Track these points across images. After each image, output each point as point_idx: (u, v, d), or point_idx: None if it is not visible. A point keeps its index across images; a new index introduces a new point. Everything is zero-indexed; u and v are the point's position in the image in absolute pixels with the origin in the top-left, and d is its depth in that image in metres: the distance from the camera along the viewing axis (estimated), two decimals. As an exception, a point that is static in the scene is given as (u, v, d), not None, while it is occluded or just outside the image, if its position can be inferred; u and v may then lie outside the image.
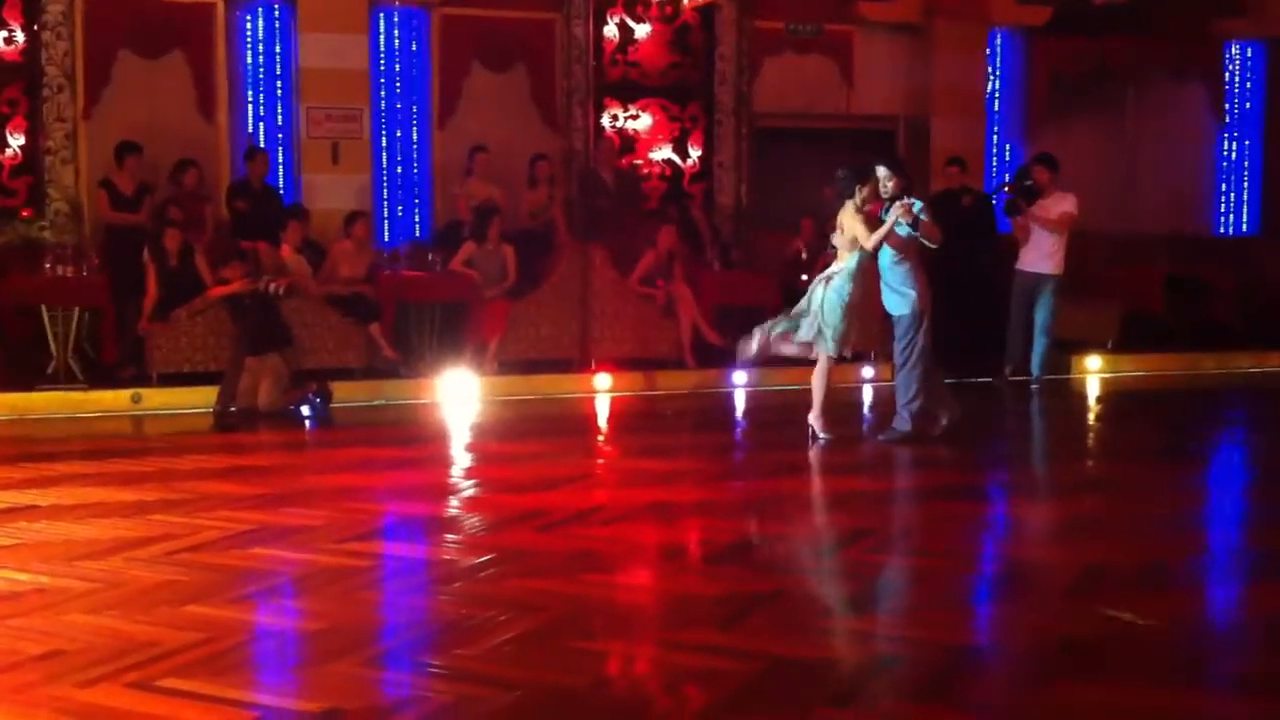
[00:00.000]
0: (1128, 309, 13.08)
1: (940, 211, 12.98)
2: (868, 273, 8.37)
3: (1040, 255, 11.33)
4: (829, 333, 8.32)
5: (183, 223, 10.84)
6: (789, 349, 8.61)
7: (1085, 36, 14.61)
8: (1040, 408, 10.93)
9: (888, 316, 8.63)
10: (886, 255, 8.40)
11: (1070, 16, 14.38)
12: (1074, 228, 11.43)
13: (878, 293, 8.50)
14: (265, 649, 4.76)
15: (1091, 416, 10.85)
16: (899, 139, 14.47)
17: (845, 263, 8.35)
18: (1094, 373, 12.36)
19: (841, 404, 10.40)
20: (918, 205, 8.35)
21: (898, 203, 8.31)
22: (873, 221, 8.31)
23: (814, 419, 8.56)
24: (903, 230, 8.28)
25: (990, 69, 14.65)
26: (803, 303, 8.53)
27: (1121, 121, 15.39)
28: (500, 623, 4.75)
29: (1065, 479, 7.95)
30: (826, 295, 8.33)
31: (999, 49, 14.80)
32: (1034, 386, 11.30)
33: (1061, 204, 11.30)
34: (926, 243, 8.42)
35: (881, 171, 8.43)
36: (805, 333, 8.41)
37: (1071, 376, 12.25)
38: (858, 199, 8.32)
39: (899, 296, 8.49)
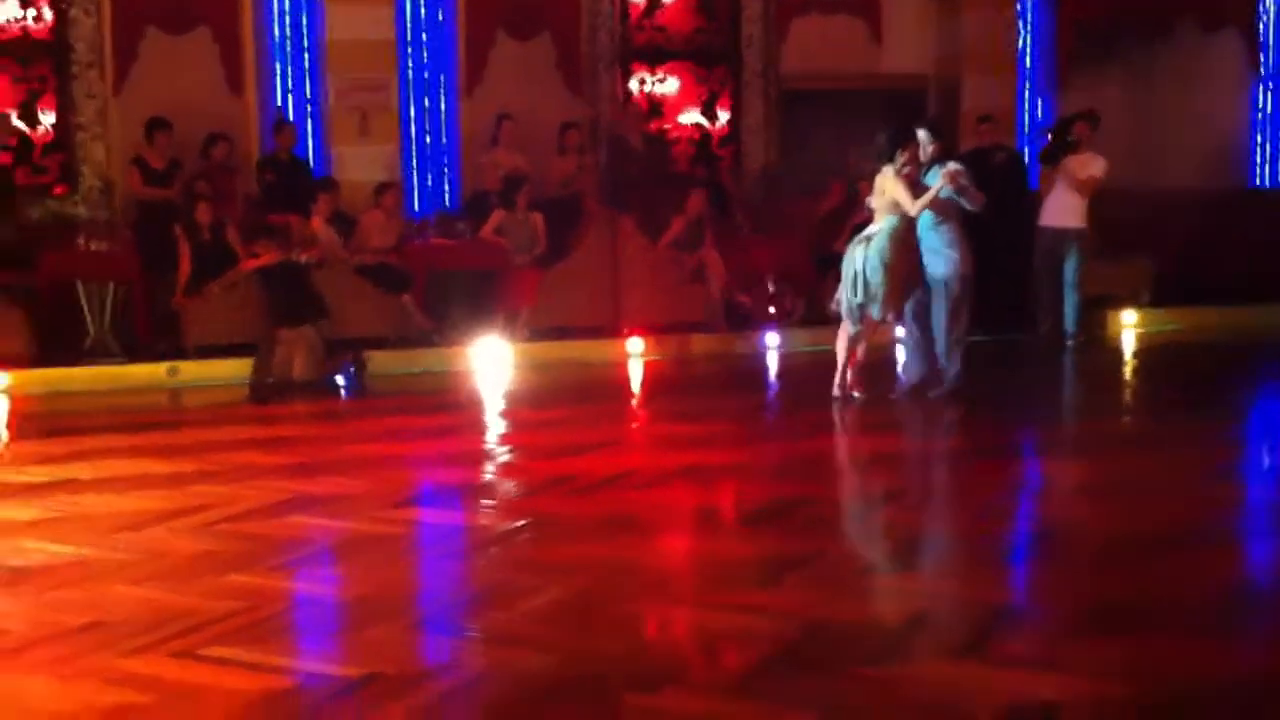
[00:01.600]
0: (1161, 263, 12.97)
1: (972, 169, 12.98)
2: (906, 235, 8.32)
3: (1063, 210, 11.26)
4: (876, 294, 8.27)
5: (213, 196, 10.89)
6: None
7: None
8: (1075, 364, 10.87)
9: (921, 279, 8.57)
10: (927, 217, 8.37)
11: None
12: (1106, 182, 11.32)
13: (915, 255, 8.44)
14: (305, 616, 4.81)
15: (1128, 372, 10.79)
16: (929, 97, 14.35)
17: (885, 223, 8.30)
18: (1129, 327, 12.28)
19: (874, 364, 10.38)
20: (958, 169, 8.32)
21: (945, 168, 8.28)
22: (914, 185, 8.25)
23: (849, 379, 8.55)
24: (946, 193, 8.26)
25: (1019, 24, 14.50)
26: (845, 273, 8.46)
27: (1152, 74, 15.20)
28: (536, 587, 4.77)
29: (1099, 437, 7.91)
30: (869, 256, 8.26)
31: (1028, 3, 14.65)
32: (1069, 343, 11.23)
33: (1091, 166, 11.22)
34: (969, 206, 8.40)
35: (922, 135, 8.41)
36: (854, 296, 8.34)
37: (1107, 332, 12.17)
38: (898, 163, 8.25)
39: (940, 258, 8.45)
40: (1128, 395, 9.83)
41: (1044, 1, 14.72)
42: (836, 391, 8.55)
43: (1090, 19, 14.64)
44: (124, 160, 11.80)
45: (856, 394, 8.52)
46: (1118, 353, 11.59)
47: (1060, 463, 7.31)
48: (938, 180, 8.24)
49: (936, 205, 8.31)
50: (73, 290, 10.41)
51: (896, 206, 8.22)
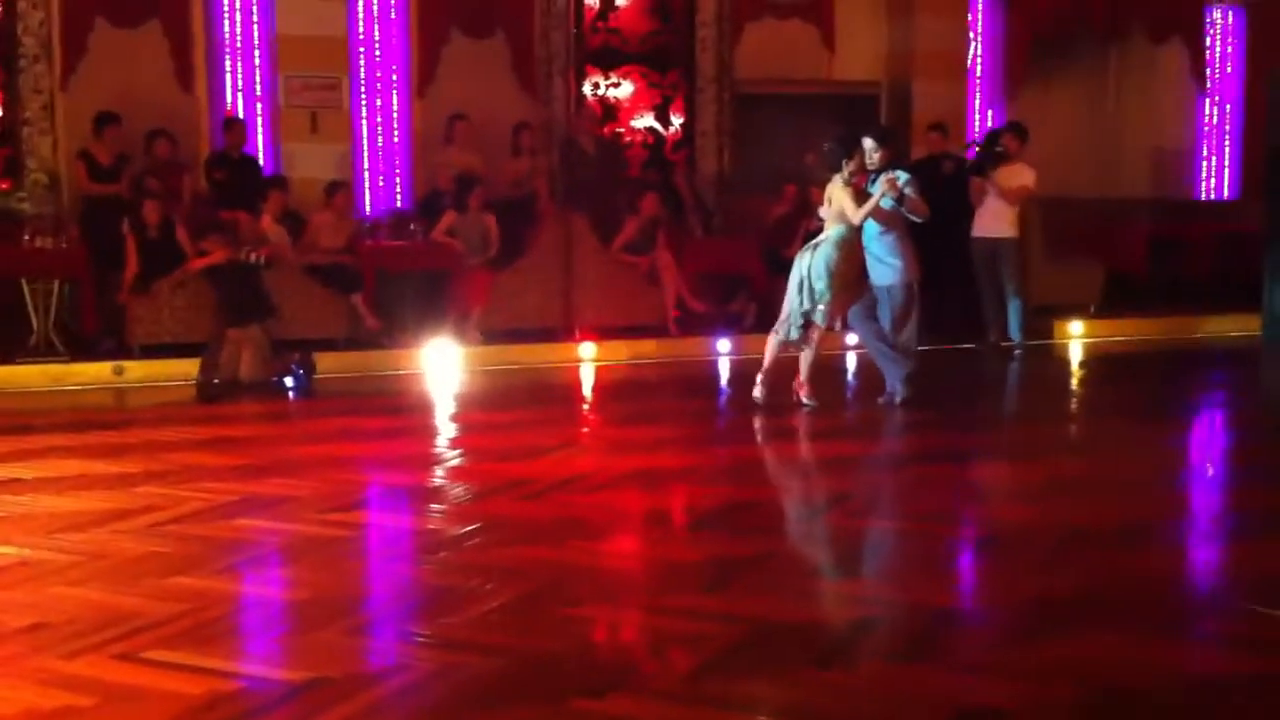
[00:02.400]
0: (1109, 272, 13.12)
1: (921, 177, 13.06)
2: (853, 244, 8.35)
3: (994, 220, 11.39)
4: (820, 301, 8.28)
5: (161, 194, 10.79)
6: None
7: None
8: (1021, 372, 10.96)
9: (866, 287, 8.59)
10: (871, 226, 8.40)
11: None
12: (1049, 191, 11.45)
13: (860, 263, 8.48)
14: (250, 619, 4.76)
15: (1073, 380, 10.89)
16: (881, 104, 14.44)
17: (832, 233, 8.32)
18: (1076, 337, 12.39)
19: (825, 370, 10.43)
20: (903, 178, 8.34)
21: (884, 177, 8.28)
22: (860, 195, 8.28)
23: (798, 384, 8.55)
24: (888, 204, 8.28)
25: (971, 32, 14.62)
26: (792, 280, 8.45)
27: (1103, 85, 15.39)
28: (485, 591, 4.75)
29: (1045, 442, 7.97)
30: (814, 263, 8.30)
31: (980, 12, 14.76)
32: (1016, 351, 11.32)
33: (1021, 176, 11.35)
34: (913, 217, 8.43)
35: (868, 143, 8.40)
36: (800, 304, 8.34)
37: (1054, 341, 12.28)
38: (845, 172, 8.28)
39: (885, 266, 8.50)
40: (1071, 402, 9.90)
41: (996, 10, 14.85)
42: (757, 393, 8.58)
43: (1042, 28, 14.77)
44: (71, 155, 11.66)
45: (808, 401, 8.51)
46: (1063, 360, 11.70)
47: (1004, 467, 7.36)
48: (879, 189, 8.24)
49: (881, 214, 8.32)
50: (17, 287, 10.27)
51: (844, 216, 8.25)
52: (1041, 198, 11.80)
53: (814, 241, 8.46)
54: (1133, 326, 12.72)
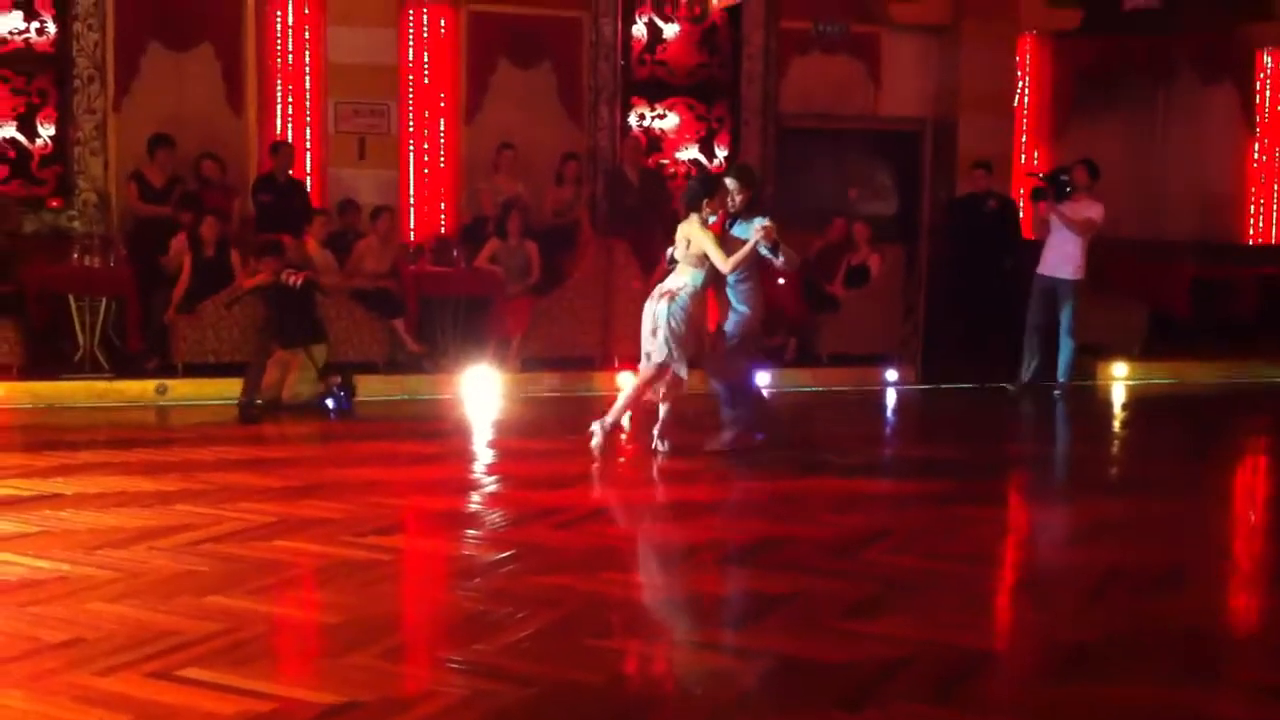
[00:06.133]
0: (1154, 313, 13.02)
1: (965, 215, 13.07)
2: (706, 292, 7.94)
3: (1060, 259, 11.11)
4: (679, 353, 7.85)
5: (213, 211, 10.90)
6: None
7: (1114, 39, 14.57)
8: (1063, 413, 10.87)
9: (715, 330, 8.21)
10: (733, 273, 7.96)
11: (1100, 19, 14.33)
12: (1097, 235, 11.31)
13: (710, 308, 8.13)
14: (284, 640, 4.79)
15: (1115, 422, 10.81)
16: (925, 140, 14.44)
17: (688, 278, 7.86)
18: (1120, 379, 12.28)
19: (868, 407, 10.45)
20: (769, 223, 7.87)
21: (760, 223, 7.82)
22: (729, 240, 7.86)
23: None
24: (764, 251, 7.82)
25: (1018, 71, 14.60)
26: (646, 323, 7.97)
27: (1150, 125, 15.31)
28: (518, 619, 4.77)
29: (1085, 484, 7.92)
30: (672, 312, 7.81)
31: (1027, 50, 14.74)
32: (1057, 392, 11.22)
33: (1089, 209, 11.13)
34: (783, 265, 7.98)
35: (730, 184, 8.02)
36: (659, 355, 7.88)
37: (1097, 382, 12.19)
38: (704, 213, 7.87)
39: (733, 314, 8.09)
40: (1113, 444, 9.83)
41: (1044, 49, 14.82)
42: (598, 430, 8.02)
43: (1089, 67, 14.74)
44: (122, 175, 11.81)
45: (662, 446, 8.14)
46: (1106, 402, 11.61)
47: (1041, 508, 7.32)
48: (752, 236, 7.77)
49: (746, 260, 7.86)
50: (64, 304, 10.40)
51: (703, 260, 7.82)
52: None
53: (667, 288, 7.93)
54: (1177, 369, 12.61)
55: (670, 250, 8.13)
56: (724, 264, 7.76)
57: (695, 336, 8.01)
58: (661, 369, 7.95)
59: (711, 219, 7.93)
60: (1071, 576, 5.59)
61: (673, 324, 7.81)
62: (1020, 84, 14.64)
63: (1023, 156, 14.57)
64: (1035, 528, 6.97)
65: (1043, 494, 7.76)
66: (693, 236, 7.85)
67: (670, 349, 7.84)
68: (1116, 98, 14.89)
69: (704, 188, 8.01)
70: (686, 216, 7.97)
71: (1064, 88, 14.82)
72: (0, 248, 10.67)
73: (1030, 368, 11.27)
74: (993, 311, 11.64)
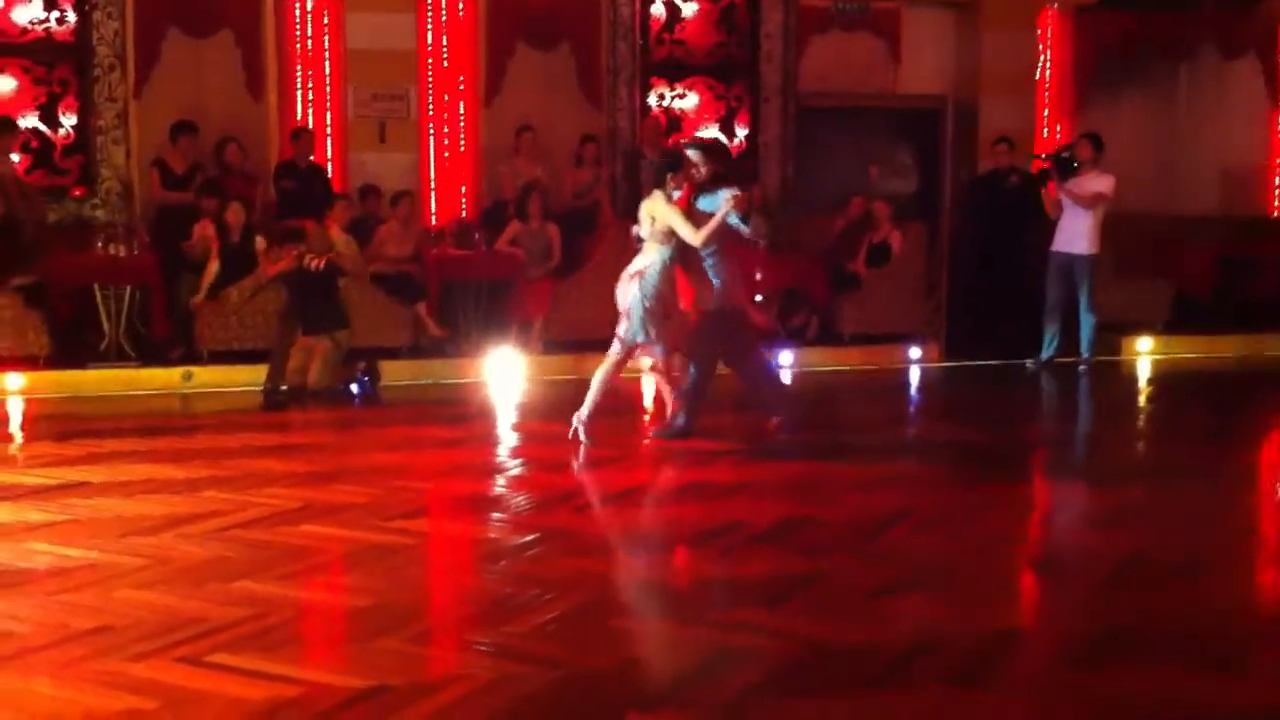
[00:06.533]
0: (1177, 289, 12.98)
1: (986, 192, 13.03)
2: (675, 267, 7.79)
3: (1074, 235, 11.11)
4: (656, 333, 7.72)
5: (236, 196, 10.94)
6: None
7: (1136, 13, 14.47)
8: (1086, 390, 10.85)
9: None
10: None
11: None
12: (1118, 208, 11.27)
13: (681, 285, 7.97)
14: (312, 625, 4.83)
15: (1138, 400, 10.77)
16: (946, 118, 14.38)
17: (655, 255, 7.71)
18: (1144, 354, 12.25)
19: (891, 386, 10.45)
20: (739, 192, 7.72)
21: (728, 192, 7.65)
22: (695, 215, 7.66)
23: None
24: (733, 220, 7.66)
25: (1039, 46, 14.51)
26: (621, 304, 7.84)
27: (1173, 100, 15.22)
28: (544, 601, 4.79)
29: (1108, 465, 7.90)
30: (644, 291, 7.67)
31: (1049, 27, 14.65)
32: (1082, 368, 11.20)
33: (1097, 183, 11.10)
34: (748, 234, 7.83)
35: (693, 155, 7.87)
36: (631, 336, 7.78)
37: (1121, 358, 12.15)
38: (669, 188, 7.73)
39: (712, 288, 7.94)
40: (1137, 422, 9.80)
41: (1065, 25, 14.73)
42: (579, 424, 7.94)
43: (1111, 43, 14.64)
44: (143, 163, 11.86)
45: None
46: (1130, 379, 11.57)
47: (1067, 488, 7.30)
48: (721, 206, 7.60)
49: (713, 233, 7.69)
50: (89, 293, 10.46)
51: (670, 236, 7.67)
52: (1109, 214, 11.66)
53: (636, 267, 7.80)
54: (1201, 345, 12.55)
55: (635, 229, 7.96)
56: (694, 236, 7.59)
57: (671, 314, 7.83)
58: (629, 351, 7.87)
59: (676, 194, 7.78)
60: (1094, 559, 5.58)
61: (647, 304, 7.68)
62: (1041, 60, 14.55)
63: (1045, 132, 14.49)
64: (1058, 509, 6.96)
65: (1065, 475, 7.74)
66: (657, 213, 7.70)
67: (647, 329, 7.70)
68: (1139, 73, 14.79)
69: (667, 162, 7.90)
70: (650, 193, 7.85)
71: (1086, 63, 14.72)
72: (26, 238, 10.72)
73: (1051, 345, 11.27)
74: (1015, 288, 11.60)
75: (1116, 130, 14.01)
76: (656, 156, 12.75)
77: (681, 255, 7.77)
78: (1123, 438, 8.89)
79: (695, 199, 7.81)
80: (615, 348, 7.90)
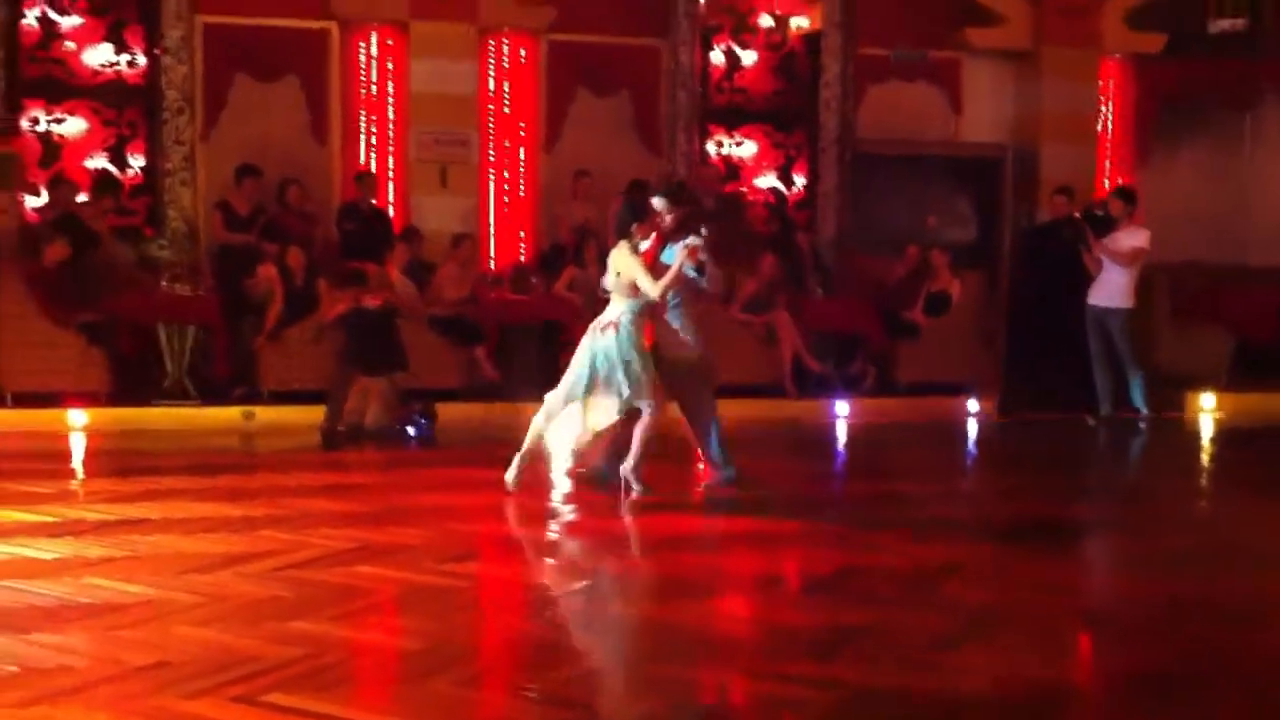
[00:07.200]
0: (1239, 339, 12.80)
1: (1045, 242, 12.95)
2: (645, 319, 7.56)
3: (1108, 290, 11.09)
4: (640, 386, 7.42)
5: (295, 239, 11.08)
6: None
7: (1199, 62, 14.39)
8: (1144, 446, 10.71)
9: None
10: (670, 296, 7.60)
11: (1184, 43, 14.17)
12: (1178, 257, 11.18)
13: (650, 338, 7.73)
14: (365, 666, 4.84)
15: (1197, 456, 10.62)
16: (1006, 167, 14.34)
17: (625, 307, 7.47)
18: (1207, 411, 12.03)
19: (948, 437, 10.37)
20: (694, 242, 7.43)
21: (683, 243, 7.41)
22: (660, 267, 7.47)
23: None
24: (690, 272, 7.45)
25: (1101, 96, 14.45)
26: (581, 368, 7.54)
27: (1236, 149, 15.09)
28: (593, 648, 4.79)
29: (1165, 517, 7.80)
30: (622, 344, 7.41)
31: (1110, 76, 14.59)
32: (1141, 425, 11.08)
33: (1133, 239, 11.08)
34: (706, 285, 7.61)
35: (658, 203, 7.64)
36: (629, 397, 7.43)
37: (1183, 414, 11.96)
38: (634, 239, 7.53)
39: (685, 340, 7.76)
40: (1194, 478, 9.67)
41: (1127, 75, 14.67)
42: (629, 475, 7.65)
43: (1173, 91, 14.56)
44: (209, 204, 12.05)
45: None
46: (1189, 435, 11.40)
47: (1120, 540, 7.22)
48: (677, 257, 7.41)
49: (677, 282, 7.48)
50: (153, 332, 10.62)
51: (635, 289, 7.42)
52: (1169, 265, 11.57)
53: (607, 321, 7.51)
54: (1264, 400, 12.32)
55: (602, 280, 7.73)
56: (652, 289, 7.36)
57: (651, 368, 7.52)
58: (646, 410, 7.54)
59: (644, 245, 7.56)
60: (1150, 610, 5.52)
61: (630, 357, 7.40)
62: (1103, 109, 14.49)
63: (1105, 182, 14.42)
64: (1114, 560, 6.88)
65: (1123, 527, 7.64)
66: (621, 265, 7.48)
67: (637, 384, 7.42)
68: (1201, 123, 14.69)
69: (630, 213, 7.68)
70: (617, 244, 7.62)
71: (1147, 113, 14.66)
72: (93, 277, 10.89)
73: (1107, 398, 11.16)
74: (1073, 340, 11.51)
75: (1178, 180, 13.95)
76: (713, 205, 12.88)
77: (650, 305, 7.53)
78: (1181, 491, 8.78)
79: (663, 249, 7.58)
80: (646, 412, 7.52)
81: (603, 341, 7.47)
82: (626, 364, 7.40)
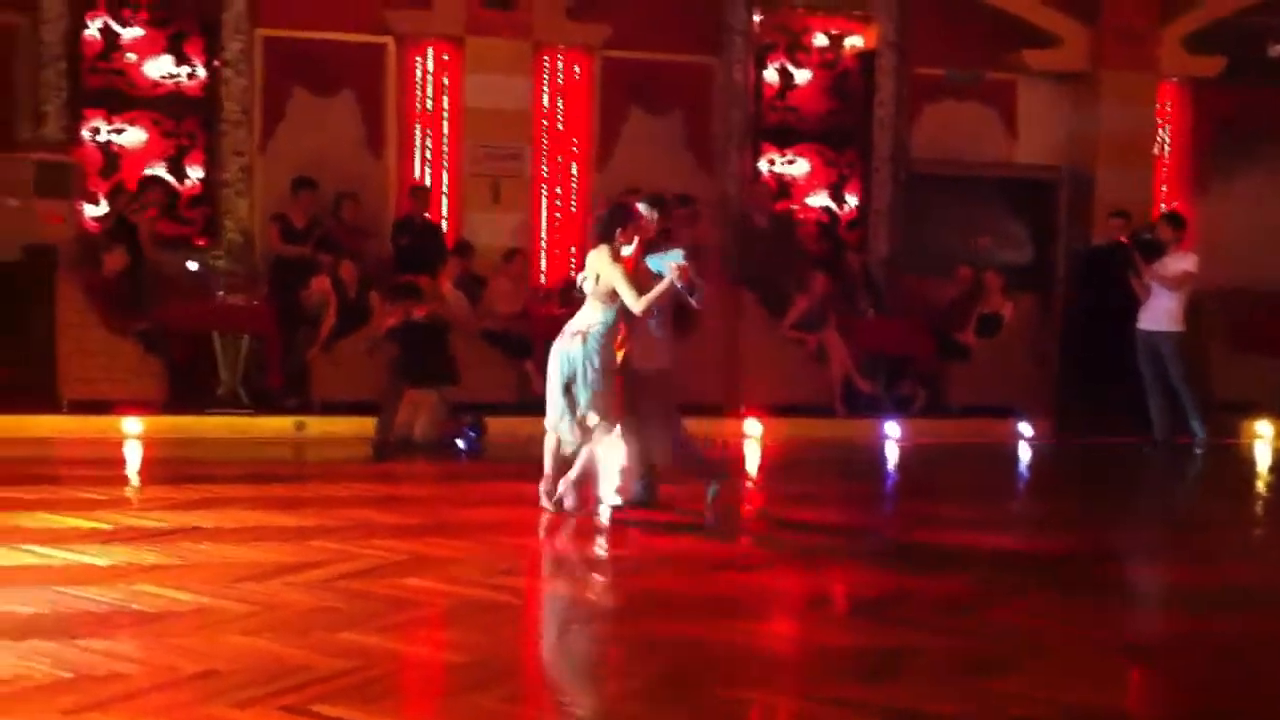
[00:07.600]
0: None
1: (1100, 265, 12.86)
2: (615, 332, 7.46)
3: (1158, 314, 11.03)
4: (600, 401, 7.35)
5: (347, 252, 11.17)
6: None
7: (1257, 87, 14.27)
8: (1199, 472, 10.59)
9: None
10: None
11: (1243, 67, 14.05)
12: (1232, 283, 11.08)
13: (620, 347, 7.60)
14: (412, 678, 4.87)
15: (1253, 483, 10.49)
16: (1061, 189, 14.25)
17: (599, 315, 7.40)
18: (1263, 438, 11.86)
19: (998, 461, 10.30)
20: (678, 256, 7.29)
21: (673, 261, 7.25)
22: (642, 275, 7.34)
23: (565, 481, 7.61)
24: (680, 288, 7.31)
25: (1158, 120, 14.34)
26: (553, 376, 7.48)
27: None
28: (640, 665, 4.79)
29: (1215, 546, 7.71)
30: (589, 357, 7.33)
31: (1168, 99, 14.48)
32: (1198, 450, 10.96)
33: (1182, 263, 11.00)
34: (694, 302, 7.42)
35: (644, 209, 7.54)
36: (581, 408, 7.37)
37: (1239, 440, 11.82)
38: (616, 245, 7.39)
39: (654, 353, 7.61)
40: (1249, 505, 9.55)
41: (1185, 98, 14.55)
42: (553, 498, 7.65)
43: (1230, 116, 14.43)
44: (265, 216, 12.17)
45: (569, 500, 7.64)
46: (1245, 462, 11.26)
47: (1170, 570, 7.14)
48: (667, 273, 7.25)
49: (663, 300, 7.40)
50: (208, 341, 10.73)
51: (613, 297, 7.33)
52: (1224, 290, 11.46)
53: (577, 328, 7.43)
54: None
55: (580, 278, 7.65)
56: (636, 305, 7.26)
57: (615, 384, 7.45)
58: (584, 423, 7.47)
59: (627, 251, 7.45)
60: (1199, 640, 5.46)
61: (593, 371, 7.32)
62: (1160, 133, 14.38)
63: (1162, 206, 14.30)
64: (1161, 589, 6.81)
65: (1171, 555, 7.56)
66: (602, 271, 7.35)
67: (593, 398, 7.34)
68: (1258, 147, 14.55)
69: (613, 219, 7.51)
70: (597, 246, 7.48)
71: (1204, 137, 14.54)
72: (152, 286, 11.02)
73: (1163, 423, 11.06)
74: (1127, 364, 11.42)
75: (1235, 205, 13.81)
76: (766, 223, 12.89)
77: (625, 314, 7.43)
78: (1233, 520, 8.67)
79: (647, 258, 7.46)
80: (595, 429, 7.46)
81: (571, 348, 7.40)
82: (587, 375, 7.32)
